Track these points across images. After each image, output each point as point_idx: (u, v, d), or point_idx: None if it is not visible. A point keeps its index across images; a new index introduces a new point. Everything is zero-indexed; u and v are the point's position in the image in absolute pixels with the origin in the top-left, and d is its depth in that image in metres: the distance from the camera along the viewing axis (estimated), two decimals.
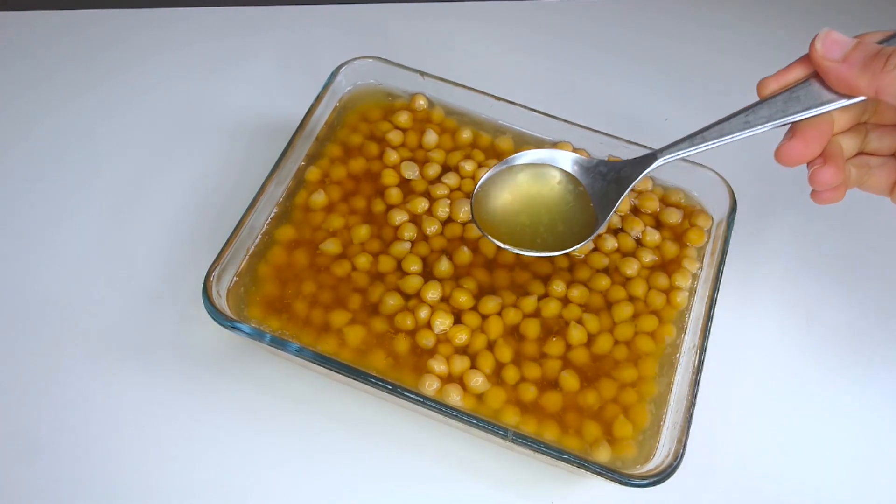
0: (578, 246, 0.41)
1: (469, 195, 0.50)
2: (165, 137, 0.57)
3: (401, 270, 0.46)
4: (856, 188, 0.39)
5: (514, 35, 0.66)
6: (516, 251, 0.42)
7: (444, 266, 0.46)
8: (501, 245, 0.42)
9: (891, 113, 0.37)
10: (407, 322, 0.44)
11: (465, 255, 0.47)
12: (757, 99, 0.35)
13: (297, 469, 0.44)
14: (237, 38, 0.64)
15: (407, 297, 0.45)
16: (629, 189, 0.40)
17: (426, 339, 0.44)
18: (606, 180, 0.41)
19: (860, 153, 0.38)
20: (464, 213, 0.48)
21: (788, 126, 0.35)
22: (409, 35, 0.65)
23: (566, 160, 0.43)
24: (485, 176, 0.43)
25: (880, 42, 0.33)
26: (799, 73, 0.34)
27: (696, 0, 0.70)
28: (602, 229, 0.41)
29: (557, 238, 0.42)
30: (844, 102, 0.33)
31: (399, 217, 0.48)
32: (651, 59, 0.65)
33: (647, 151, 0.50)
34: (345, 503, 0.44)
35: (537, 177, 0.42)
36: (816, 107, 0.33)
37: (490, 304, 0.45)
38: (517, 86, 0.57)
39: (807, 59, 0.34)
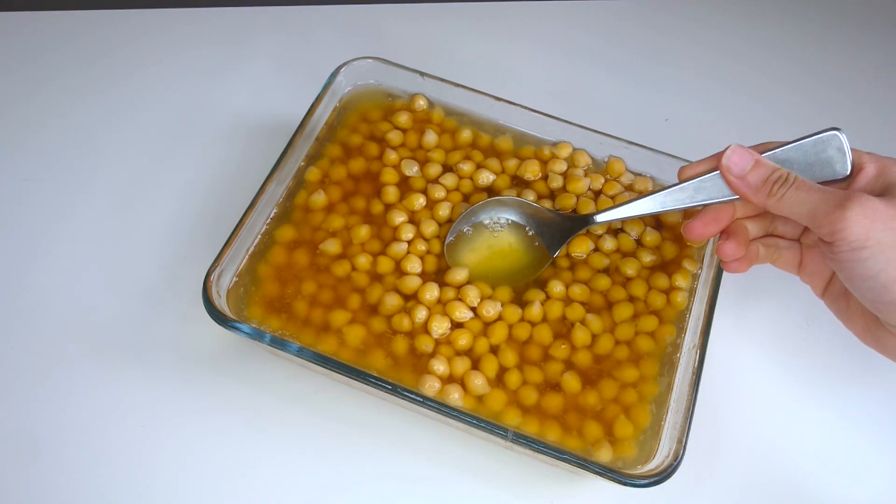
0: (535, 276, 0.46)
1: (466, 196, 0.50)
2: (165, 138, 0.57)
3: (400, 271, 0.46)
4: (768, 264, 0.43)
5: (514, 35, 0.66)
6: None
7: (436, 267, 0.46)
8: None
9: None
10: (404, 323, 0.44)
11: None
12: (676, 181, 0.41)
13: (296, 469, 0.44)
14: (237, 38, 0.64)
15: (406, 297, 0.45)
16: (568, 240, 0.46)
17: (426, 344, 0.44)
18: (553, 228, 0.47)
19: (770, 235, 0.43)
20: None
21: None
22: (409, 35, 0.65)
23: (518, 208, 0.48)
24: (457, 222, 0.48)
25: (776, 149, 0.39)
26: (710, 165, 0.40)
27: (697, 1, 0.70)
28: (548, 264, 0.47)
29: (520, 275, 0.47)
30: (738, 198, 0.39)
31: (398, 218, 0.48)
32: (652, 59, 0.65)
33: (644, 151, 0.51)
34: (344, 503, 0.44)
35: (500, 230, 0.48)
36: (718, 197, 0.40)
37: (491, 310, 0.45)
38: (517, 86, 0.57)
39: (718, 156, 0.39)
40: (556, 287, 0.46)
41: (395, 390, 0.40)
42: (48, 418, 0.45)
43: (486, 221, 0.48)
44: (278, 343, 0.41)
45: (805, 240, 0.42)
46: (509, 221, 0.48)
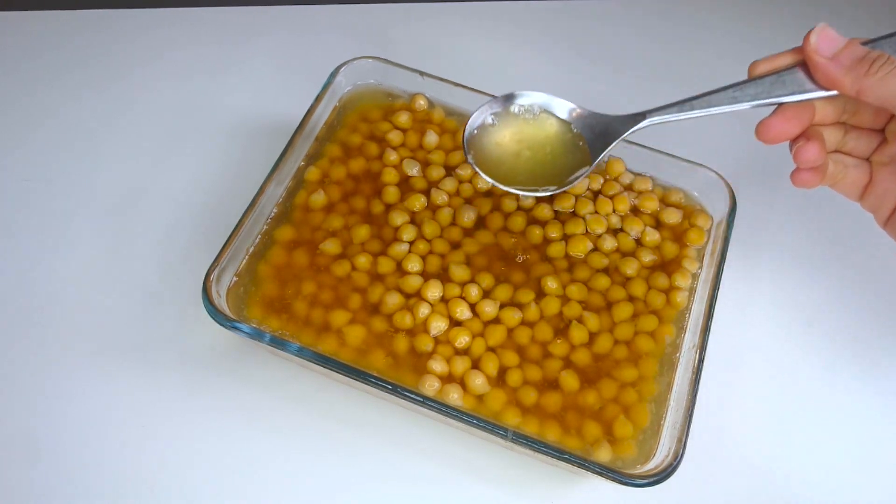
0: (572, 184, 0.41)
1: (468, 200, 0.50)
2: (166, 138, 0.57)
3: (401, 270, 0.46)
4: (829, 187, 0.41)
5: (514, 35, 0.66)
6: (512, 190, 0.41)
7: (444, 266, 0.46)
8: (498, 185, 0.41)
9: (868, 116, 0.39)
10: (406, 321, 0.44)
11: (461, 255, 0.47)
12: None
13: (296, 469, 0.44)
14: (237, 38, 0.64)
15: (407, 296, 0.45)
16: (616, 143, 0.41)
17: (426, 344, 0.44)
18: (595, 133, 0.41)
19: (837, 151, 0.40)
20: (467, 219, 0.49)
21: (773, 107, 0.37)
22: (409, 35, 0.64)
23: (561, 107, 0.43)
24: (479, 111, 0.42)
25: (865, 44, 0.35)
26: (788, 60, 0.36)
27: (694, 1, 0.70)
28: (591, 169, 0.41)
29: (553, 177, 0.41)
30: (825, 94, 0.35)
31: (400, 218, 0.48)
32: (652, 58, 0.65)
33: (644, 151, 0.50)
34: (343, 503, 0.44)
35: (534, 119, 0.42)
36: (800, 93, 0.36)
37: (490, 308, 0.45)
38: (516, 86, 0.57)
39: (798, 50, 0.36)
40: (552, 283, 0.46)
41: (395, 390, 0.40)
42: (48, 419, 0.45)
43: (515, 109, 0.42)
44: (278, 343, 0.41)
45: (877, 157, 0.39)
46: (542, 110, 0.42)
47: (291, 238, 0.47)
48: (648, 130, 0.56)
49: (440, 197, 0.49)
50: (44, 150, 0.56)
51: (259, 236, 0.47)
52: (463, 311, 0.45)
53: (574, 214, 0.49)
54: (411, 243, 0.47)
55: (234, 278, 0.45)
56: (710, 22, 0.68)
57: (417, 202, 0.49)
